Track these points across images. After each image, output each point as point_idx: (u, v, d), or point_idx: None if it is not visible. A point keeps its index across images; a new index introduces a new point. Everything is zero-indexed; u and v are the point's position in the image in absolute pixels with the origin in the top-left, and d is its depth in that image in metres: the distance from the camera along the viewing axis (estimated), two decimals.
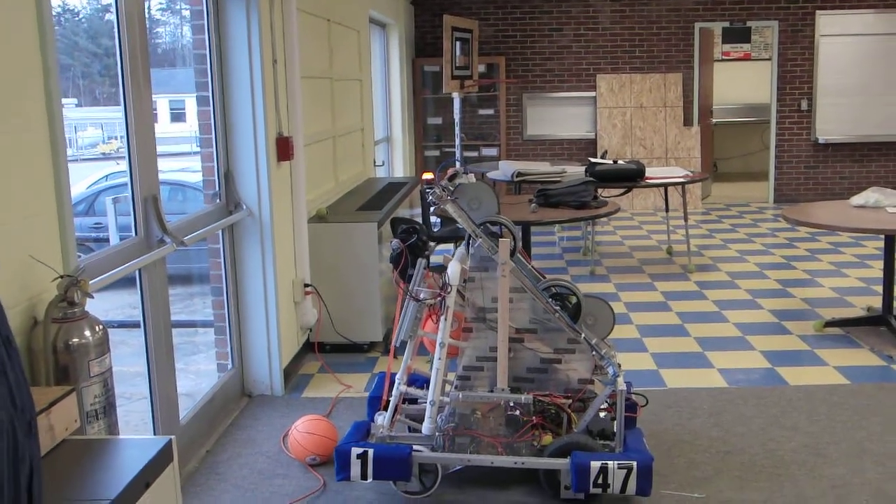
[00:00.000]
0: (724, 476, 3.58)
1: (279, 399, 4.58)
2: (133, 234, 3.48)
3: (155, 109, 3.77)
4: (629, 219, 10.22)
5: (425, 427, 3.35)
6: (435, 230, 6.76)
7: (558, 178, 6.92)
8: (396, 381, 3.50)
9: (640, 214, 10.53)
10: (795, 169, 11.07)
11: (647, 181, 7.14)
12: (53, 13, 2.64)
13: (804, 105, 10.91)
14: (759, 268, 7.43)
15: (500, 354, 3.35)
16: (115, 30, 3.38)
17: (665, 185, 7.36)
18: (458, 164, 3.63)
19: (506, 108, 10.92)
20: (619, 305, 6.30)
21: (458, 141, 8.90)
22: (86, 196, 7.65)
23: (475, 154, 10.89)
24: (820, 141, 10.90)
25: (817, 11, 10.70)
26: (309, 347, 5.19)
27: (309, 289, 4.99)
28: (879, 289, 6.45)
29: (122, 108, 3.42)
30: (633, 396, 3.53)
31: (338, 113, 6.30)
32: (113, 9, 3.38)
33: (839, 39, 10.74)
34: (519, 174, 7.24)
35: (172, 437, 2.17)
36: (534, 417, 3.30)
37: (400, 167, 9.83)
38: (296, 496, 3.48)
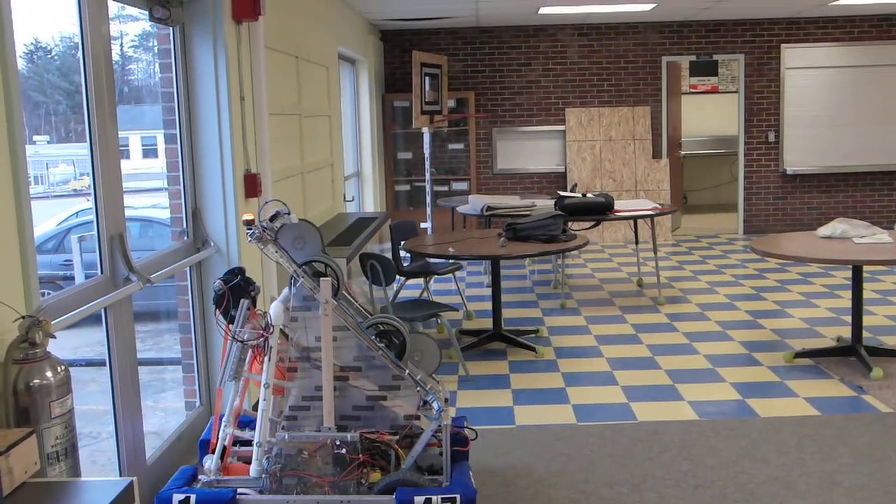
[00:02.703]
0: None
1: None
2: (98, 272, 3.45)
3: (126, 146, 3.75)
4: (599, 251, 10.27)
5: (252, 469, 3.34)
6: (405, 265, 6.76)
7: (528, 212, 6.96)
8: (223, 424, 3.46)
9: (611, 247, 10.60)
10: (764, 200, 11.20)
11: (617, 214, 7.19)
12: (26, 51, 2.63)
13: (771, 137, 11.07)
14: (729, 299, 7.49)
15: (326, 393, 3.36)
16: (81, 68, 3.37)
17: (634, 218, 7.42)
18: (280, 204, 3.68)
19: (476, 142, 10.98)
20: (590, 338, 6.32)
21: (428, 175, 8.95)
22: (56, 233, 7.58)
23: (445, 188, 10.93)
24: (788, 172, 11.05)
25: (782, 45, 10.89)
26: None
27: None
28: (849, 319, 6.52)
29: (87, 145, 3.40)
30: (465, 431, 3.57)
31: (307, 149, 6.31)
32: (79, 47, 3.37)
33: (804, 72, 10.94)
34: (489, 208, 7.27)
35: (133, 478, 2.13)
36: (361, 455, 3.31)
37: (371, 202, 9.84)
38: None
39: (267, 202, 3.76)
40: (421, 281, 7.34)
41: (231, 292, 3.44)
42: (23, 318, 2.48)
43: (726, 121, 13.19)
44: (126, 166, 3.67)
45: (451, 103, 10.60)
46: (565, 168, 11.01)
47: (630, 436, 4.40)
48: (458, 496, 3.13)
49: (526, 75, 10.95)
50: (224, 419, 3.47)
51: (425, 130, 8.68)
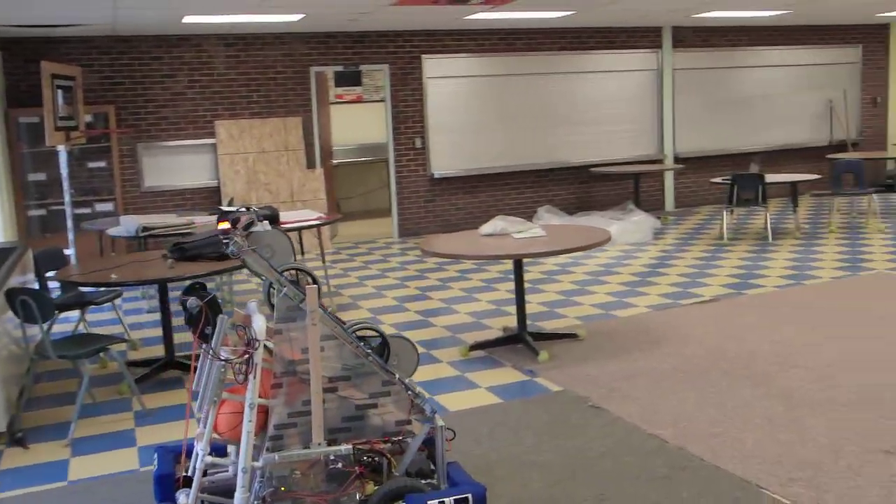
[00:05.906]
0: None
1: None
2: None
3: None
4: None
5: (237, 498, 2.99)
6: (55, 297, 6.07)
7: (189, 230, 6.58)
8: (200, 452, 3.10)
9: None
10: (416, 203, 11.62)
11: (284, 226, 7.02)
12: None
13: (418, 143, 11.52)
14: (398, 301, 7.62)
15: (315, 407, 3.14)
16: None
17: (300, 229, 7.30)
18: (248, 210, 3.39)
19: (120, 159, 10.24)
20: None
21: (67, 198, 8.14)
22: None
23: (89, 210, 10.06)
24: (435, 176, 11.57)
25: (422, 55, 11.38)
26: None
27: None
28: (510, 309, 6.91)
29: None
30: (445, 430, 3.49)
31: None
32: None
33: (445, 81, 11.55)
34: (145, 229, 6.78)
35: None
36: (357, 468, 3.15)
37: (0, 231, 8.78)
38: None
39: (238, 209, 3.31)
40: (72, 314, 6.65)
41: (209, 308, 3.14)
42: None
43: (375, 129, 13.53)
44: None
45: (89, 118, 9.78)
46: (219, 182, 10.62)
47: None
48: (469, 495, 3.04)
49: (171, 87, 10.41)
50: (200, 447, 3.09)
51: (61, 148, 7.89)
